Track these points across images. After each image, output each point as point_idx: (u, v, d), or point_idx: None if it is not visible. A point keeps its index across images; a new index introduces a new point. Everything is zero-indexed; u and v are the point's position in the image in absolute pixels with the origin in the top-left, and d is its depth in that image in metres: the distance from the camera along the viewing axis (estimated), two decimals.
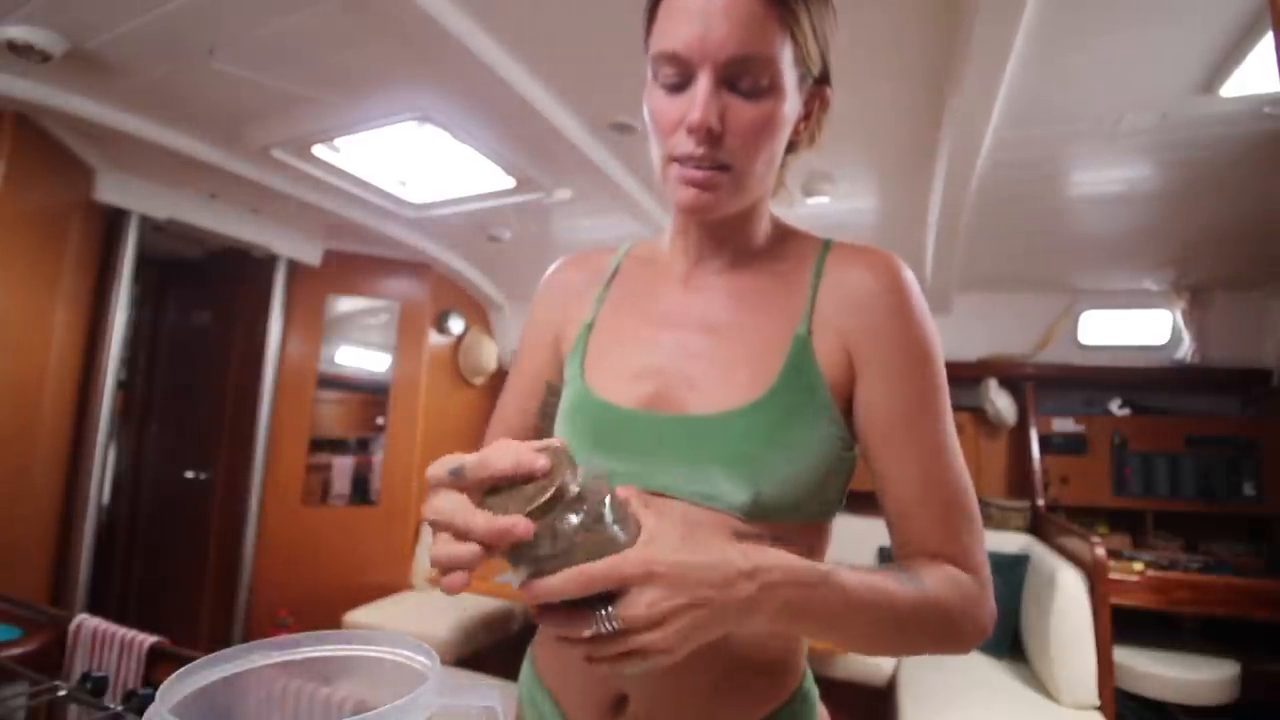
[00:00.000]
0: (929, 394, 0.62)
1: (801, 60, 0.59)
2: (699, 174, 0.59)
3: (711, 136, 0.57)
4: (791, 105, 0.60)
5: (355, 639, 0.46)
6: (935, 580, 0.57)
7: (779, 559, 0.50)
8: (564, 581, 0.44)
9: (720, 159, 0.58)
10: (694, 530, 0.49)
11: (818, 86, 0.64)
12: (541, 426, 0.78)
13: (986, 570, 0.61)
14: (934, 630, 0.57)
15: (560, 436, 0.69)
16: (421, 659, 0.43)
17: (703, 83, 0.56)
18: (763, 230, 0.70)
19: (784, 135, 0.62)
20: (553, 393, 0.77)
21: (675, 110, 0.59)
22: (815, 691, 0.69)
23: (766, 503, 0.58)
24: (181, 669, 0.40)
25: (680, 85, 0.59)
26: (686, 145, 0.58)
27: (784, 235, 0.72)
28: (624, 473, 0.63)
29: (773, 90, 0.58)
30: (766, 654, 0.64)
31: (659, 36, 0.59)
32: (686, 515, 0.59)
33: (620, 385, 0.67)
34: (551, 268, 0.82)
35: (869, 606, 0.53)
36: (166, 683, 0.39)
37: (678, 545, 0.47)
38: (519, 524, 0.43)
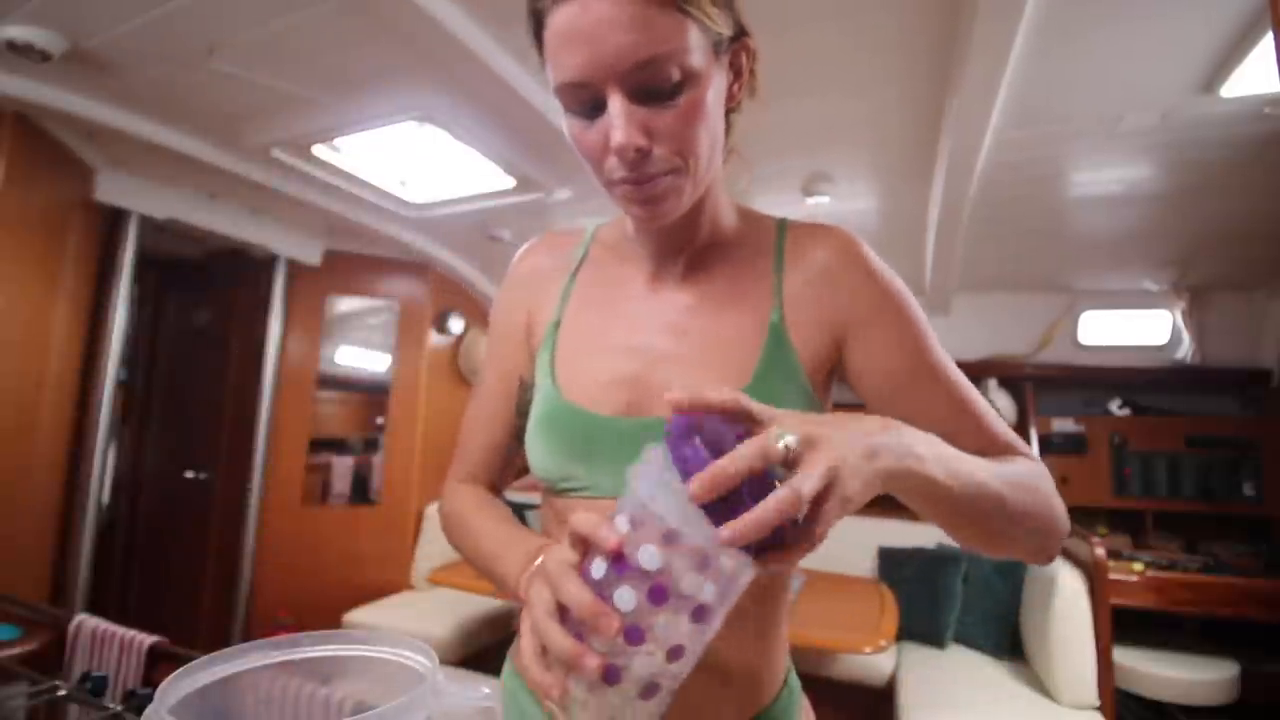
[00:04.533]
0: (922, 338, 0.63)
1: (708, 30, 0.55)
2: (645, 189, 0.57)
3: (641, 154, 0.55)
4: (715, 82, 0.58)
5: (355, 639, 0.46)
6: (1011, 464, 0.58)
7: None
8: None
9: (662, 167, 0.56)
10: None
11: (737, 42, 0.61)
12: (519, 424, 0.76)
13: (1035, 453, 0.63)
14: (1030, 503, 0.56)
15: (533, 444, 0.67)
16: (421, 659, 0.43)
17: (614, 103, 0.53)
18: (719, 214, 0.69)
19: (717, 114, 0.59)
20: (526, 389, 0.75)
21: (597, 136, 0.56)
22: (798, 690, 0.70)
23: None
24: (180, 669, 0.40)
25: (593, 109, 0.55)
26: (620, 169, 0.56)
27: (740, 217, 0.71)
28: (607, 482, 0.62)
29: (689, 81, 0.54)
30: (747, 661, 0.63)
31: (556, 70, 0.55)
32: None
33: (598, 393, 0.65)
34: (518, 254, 0.79)
35: (978, 469, 0.52)
36: (165, 683, 0.39)
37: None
38: None
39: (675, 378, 0.63)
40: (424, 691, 0.37)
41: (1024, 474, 0.58)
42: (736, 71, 0.62)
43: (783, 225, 0.69)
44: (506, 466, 0.79)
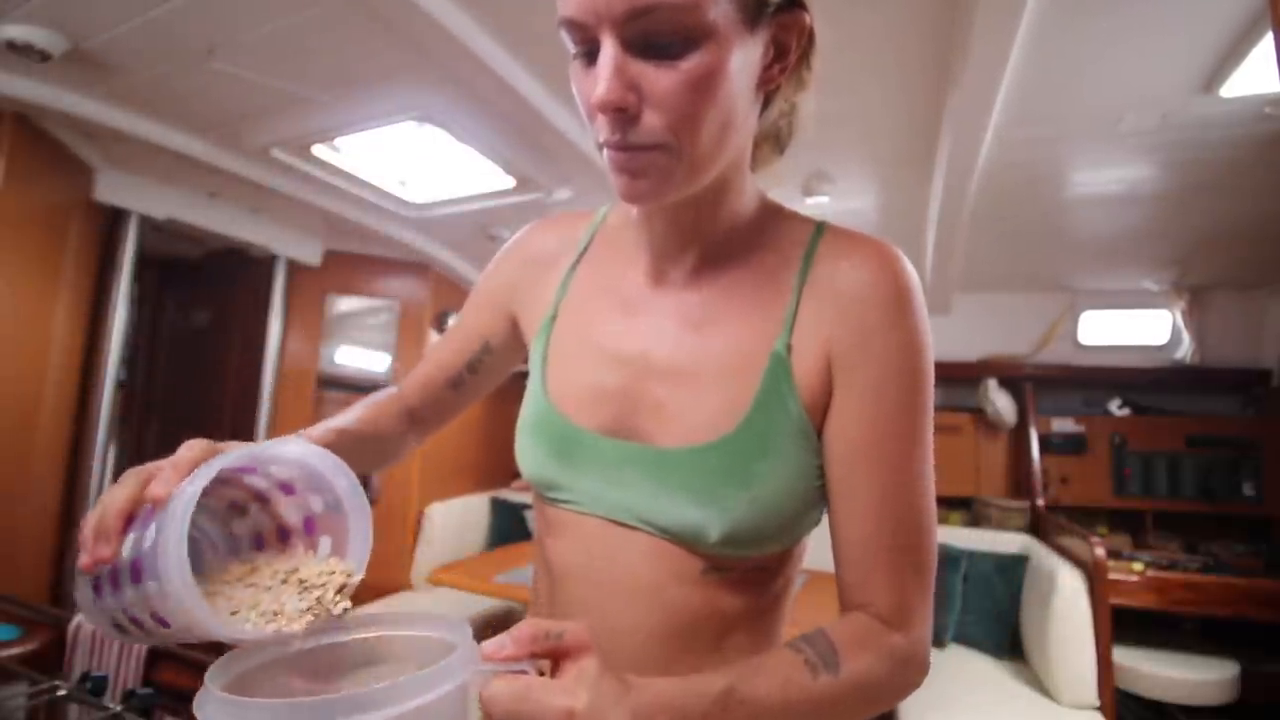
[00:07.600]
0: (906, 419, 0.55)
1: None
2: (624, 156, 0.49)
3: (625, 116, 0.48)
4: (743, 54, 0.49)
5: (385, 621, 0.46)
6: (859, 659, 0.51)
7: (667, 698, 0.42)
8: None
9: (648, 139, 0.48)
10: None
11: (787, 14, 0.52)
12: (466, 378, 0.76)
13: (924, 625, 0.57)
14: (857, 710, 0.54)
15: (520, 445, 0.65)
16: (453, 636, 0.42)
17: (605, 51, 0.47)
18: (740, 208, 0.60)
19: (735, 92, 0.49)
20: (487, 351, 0.74)
21: (590, 86, 0.48)
22: None
23: (738, 537, 0.55)
24: (222, 658, 0.41)
25: (591, 55, 0.49)
26: (604, 129, 0.49)
27: (769, 215, 0.62)
28: (587, 497, 0.60)
29: (700, 42, 0.46)
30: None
31: (558, 1, 0.49)
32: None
33: (583, 404, 0.61)
34: (528, 228, 0.74)
35: (781, 715, 0.47)
36: (216, 665, 0.40)
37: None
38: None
39: (665, 399, 0.58)
40: (457, 658, 0.37)
41: (841, 693, 0.50)
42: (781, 49, 0.53)
43: (819, 231, 0.60)
44: (434, 404, 0.78)
